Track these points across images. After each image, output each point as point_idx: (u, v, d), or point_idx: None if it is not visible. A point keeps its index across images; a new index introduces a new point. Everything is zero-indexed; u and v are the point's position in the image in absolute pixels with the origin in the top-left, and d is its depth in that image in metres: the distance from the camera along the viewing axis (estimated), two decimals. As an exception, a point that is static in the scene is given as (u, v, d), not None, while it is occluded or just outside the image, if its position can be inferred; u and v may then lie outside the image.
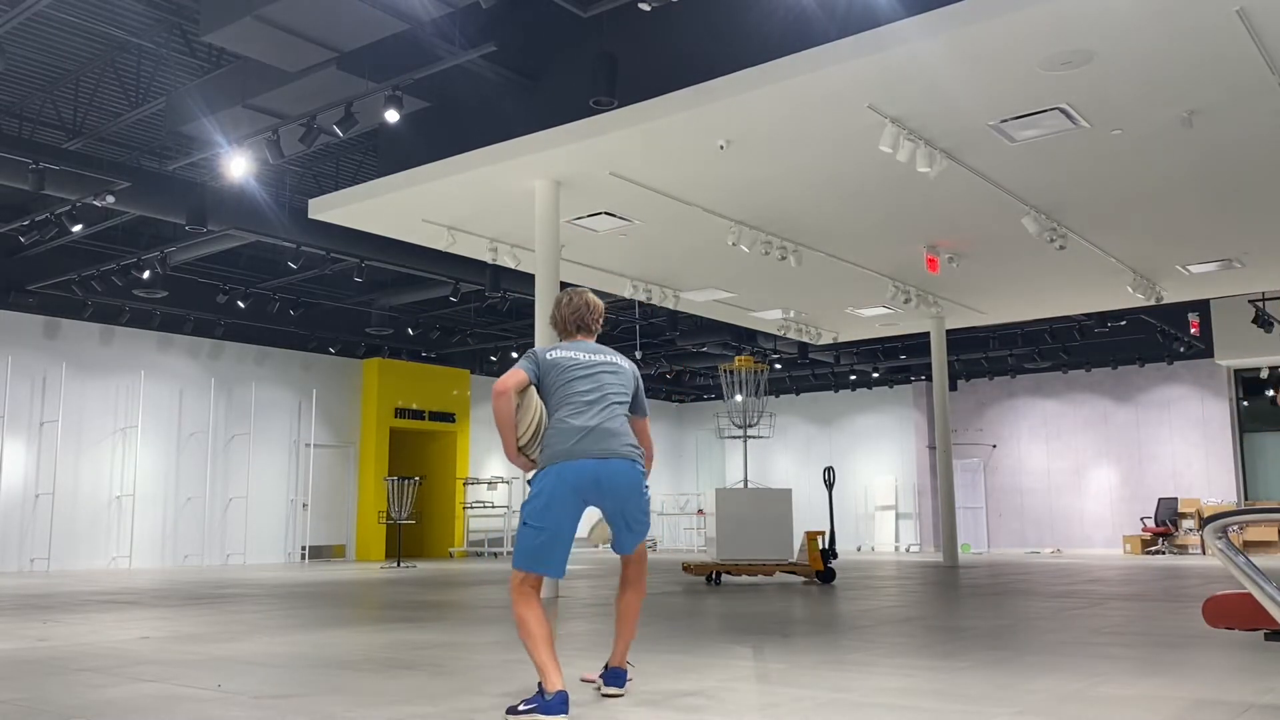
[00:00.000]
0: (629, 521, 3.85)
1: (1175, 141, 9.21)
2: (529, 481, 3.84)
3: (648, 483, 3.93)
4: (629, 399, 3.97)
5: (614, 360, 4.01)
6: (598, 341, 4.12)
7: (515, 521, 22.37)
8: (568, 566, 3.84)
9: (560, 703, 3.46)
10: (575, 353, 3.95)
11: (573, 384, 3.85)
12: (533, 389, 3.83)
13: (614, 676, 3.98)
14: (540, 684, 3.52)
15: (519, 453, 3.82)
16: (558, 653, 5.26)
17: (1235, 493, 20.45)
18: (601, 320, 4.13)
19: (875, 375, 23.77)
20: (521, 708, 3.51)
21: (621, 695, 3.96)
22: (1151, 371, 21.58)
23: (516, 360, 3.90)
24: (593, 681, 4.18)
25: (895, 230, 11.92)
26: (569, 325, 4.09)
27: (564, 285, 14.45)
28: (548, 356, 3.90)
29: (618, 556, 3.99)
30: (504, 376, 3.78)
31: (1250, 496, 20.59)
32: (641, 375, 4.17)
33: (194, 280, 16.11)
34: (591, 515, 17.70)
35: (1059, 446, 22.65)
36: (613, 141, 9.15)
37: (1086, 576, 12.11)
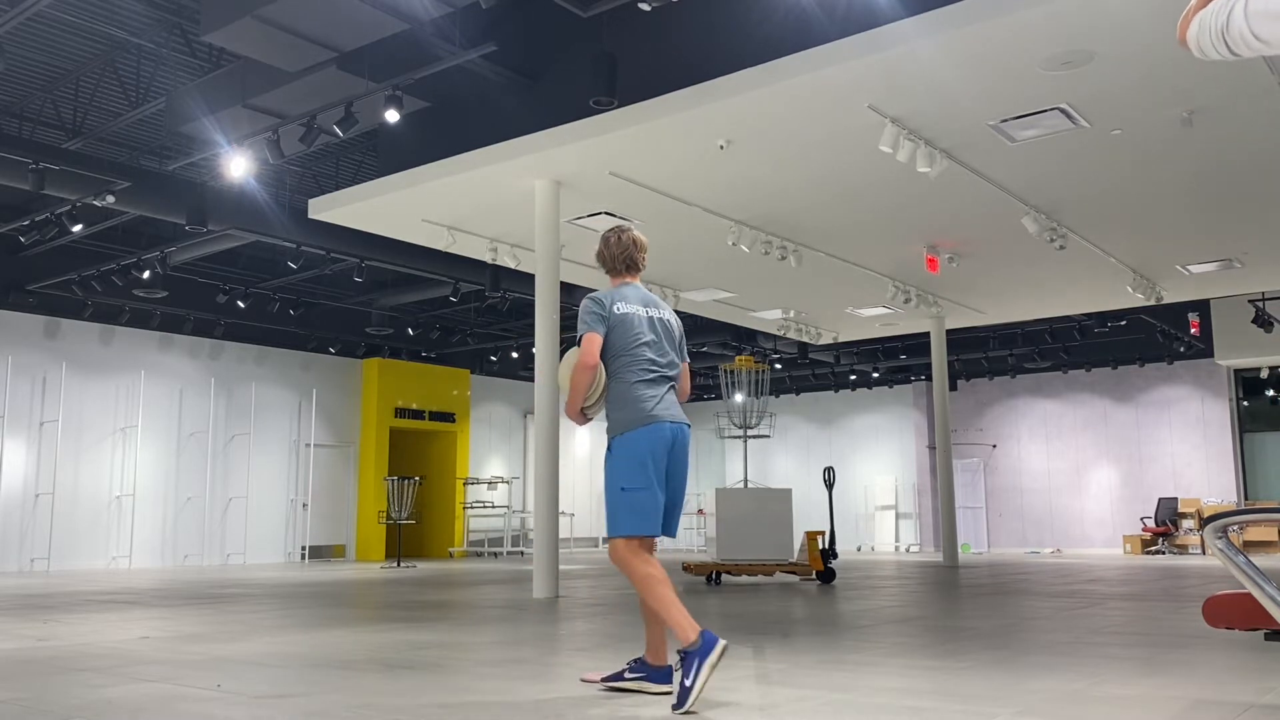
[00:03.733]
0: (677, 490, 3.91)
1: (1175, 141, 9.21)
2: (609, 449, 3.87)
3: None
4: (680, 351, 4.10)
5: (666, 315, 4.08)
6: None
7: (515, 521, 22.36)
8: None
9: (712, 640, 3.48)
10: (636, 307, 3.98)
11: (641, 347, 3.91)
12: None
13: (665, 675, 3.91)
14: (680, 645, 3.53)
15: (580, 412, 3.90)
16: (558, 653, 5.26)
17: (1235, 493, 20.44)
18: (647, 257, 4.18)
19: (875, 375, 23.77)
20: (687, 672, 3.45)
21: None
22: (1151, 371, 21.58)
23: (581, 313, 3.91)
24: (595, 682, 4.17)
25: (895, 230, 11.92)
26: (618, 264, 4.11)
27: (564, 285, 14.46)
28: (616, 310, 3.91)
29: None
30: (587, 348, 3.82)
31: (1250, 496, 20.59)
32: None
33: (194, 280, 16.10)
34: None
35: (1059, 446, 22.64)
36: (613, 141, 9.15)
37: (1086, 576, 12.11)
